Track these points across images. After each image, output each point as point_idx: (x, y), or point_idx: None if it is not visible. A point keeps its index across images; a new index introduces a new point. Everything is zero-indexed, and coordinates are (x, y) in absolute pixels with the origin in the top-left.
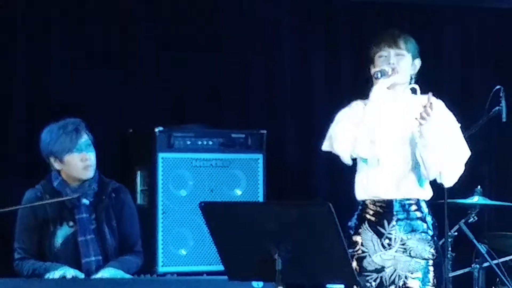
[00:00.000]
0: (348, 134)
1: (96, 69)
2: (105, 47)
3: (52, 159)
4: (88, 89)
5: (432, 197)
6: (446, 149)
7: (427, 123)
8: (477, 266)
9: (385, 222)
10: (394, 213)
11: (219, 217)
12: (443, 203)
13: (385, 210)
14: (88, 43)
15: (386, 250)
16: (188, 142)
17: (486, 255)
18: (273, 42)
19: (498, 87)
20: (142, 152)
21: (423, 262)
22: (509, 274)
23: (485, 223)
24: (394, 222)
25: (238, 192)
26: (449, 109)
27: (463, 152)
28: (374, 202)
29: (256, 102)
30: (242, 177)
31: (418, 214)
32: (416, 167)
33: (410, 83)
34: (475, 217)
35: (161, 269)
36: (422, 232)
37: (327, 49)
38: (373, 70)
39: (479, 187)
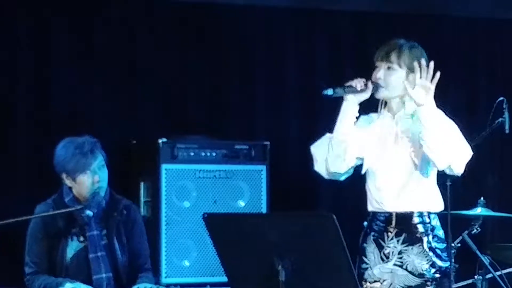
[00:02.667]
0: (322, 152)
1: (99, 80)
2: (108, 58)
3: (64, 176)
4: (91, 100)
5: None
6: (450, 135)
7: (428, 105)
8: (480, 277)
9: (385, 235)
10: (394, 225)
11: (223, 228)
12: (447, 215)
13: (386, 222)
14: (91, 54)
15: (384, 262)
16: (192, 154)
17: (489, 267)
18: (277, 54)
19: (501, 98)
20: (145, 163)
21: (419, 278)
22: None
23: (488, 235)
24: (393, 235)
25: (242, 203)
26: (454, 119)
27: (466, 145)
28: (377, 214)
29: (259, 114)
30: (245, 189)
31: (420, 227)
32: (421, 178)
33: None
34: (478, 228)
35: (164, 280)
36: (421, 246)
37: (330, 61)
38: (346, 84)
39: (482, 198)
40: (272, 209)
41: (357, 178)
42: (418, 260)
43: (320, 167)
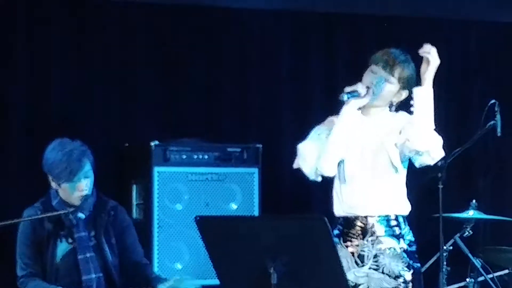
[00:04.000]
0: (313, 151)
1: (94, 83)
2: (104, 61)
3: (50, 178)
4: (85, 103)
5: (427, 212)
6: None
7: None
8: (472, 280)
9: (359, 239)
10: (367, 229)
11: (215, 231)
12: (438, 217)
13: (359, 226)
14: (87, 57)
15: (359, 267)
16: (184, 156)
17: (481, 269)
18: (271, 57)
19: (493, 101)
20: (137, 166)
21: (395, 280)
22: None
23: (480, 237)
24: (367, 239)
25: (234, 206)
26: (446, 122)
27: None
28: (349, 219)
29: (252, 117)
30: (237, 191)
31: (393, 230)
32: (392, 183)
33: (390, 109)
34: (470, 231)
35: None
36: (395, 248)
37: (325, 64)
38: (346, 89)
39: (474, 201)
40: (264, 212)
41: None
42: (394, 263)
43: (307, 165)
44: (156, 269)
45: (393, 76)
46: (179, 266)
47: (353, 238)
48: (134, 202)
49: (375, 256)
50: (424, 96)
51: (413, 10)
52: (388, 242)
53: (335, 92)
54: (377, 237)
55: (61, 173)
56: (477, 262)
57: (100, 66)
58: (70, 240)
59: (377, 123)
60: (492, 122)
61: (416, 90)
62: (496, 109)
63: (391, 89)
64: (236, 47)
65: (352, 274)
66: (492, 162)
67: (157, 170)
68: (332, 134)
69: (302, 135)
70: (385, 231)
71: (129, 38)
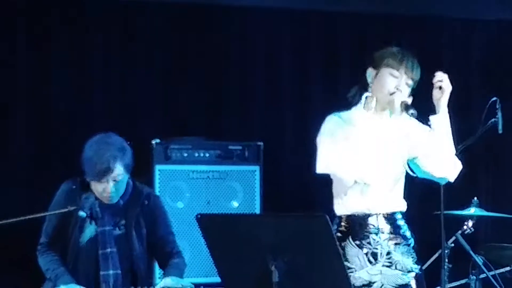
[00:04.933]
0: (345, 158)
1: (95, 81)
2: (105, 59)
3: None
4: (85, 101)
5: (428, 209)
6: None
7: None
8: (474, 277)
9: (371, 237)
10: (379, 227)
11: (216, 229)
12: (440, 215)
13: (371, 224)
14: (88, 55)
15: (372, 265)
16: (185, 154)
17: (482, 267)
18: (272, 56)
19: (494, 99)
20: (139, 164)
21: (407, 274)
22: (506, 286)
23: (482, 235)
24: (379, 237)
25: (235, 204)
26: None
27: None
28: (357, 217)
29: (253, 114)
30: (239, 189)
31: (401, 227)
32: (396, 179)
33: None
34: (471, 228)
35: (158, 281)
36: (405, 244)
37: (326, 63)
38: (397, 103)
39: (475, 198)
40: (266, 209)
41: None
42: (405, 259)
43: (343, 171)
44: (157, 267)
45: (413, 80)
46: None
47: (365, 236)
48: None
49: (388, 253)
50: (442, 124)
51: (414, 8)
52: (399, 239)
53: (335, 90)
54: (388, 234)
55: (90, 172)
56: (479, 260)
57: (101, 64)
58: (96, 228)
59: (388, 123)
60: (493, 120)
61: (433, 118)
62: (497, 106)
63: (407, 92)
64: (237, 45)
65: (365, 272)
66: (494, 160)
67: (158, 168)
68: (360, 144)
69: (303, 133)
70: (395, 228)
71: (130, 37)
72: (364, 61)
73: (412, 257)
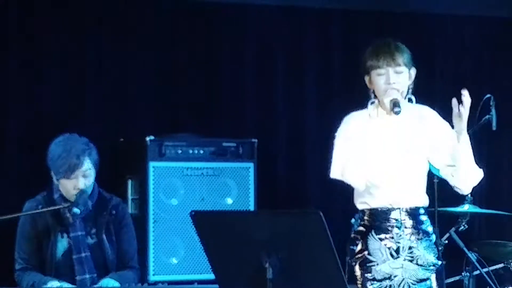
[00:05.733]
0: (356, 164)
1: (88, 78)
2: (97, 56)
3: (52, 173)
4: (80, 98)
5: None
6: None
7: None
8: (468, 274)
9: (393, 231)
10: (401, 222)
11: (210, 226)
12: (434, 211)
13: (393, 219)
14: (81, 51)
15: (394, 258)
16: (179, 151)
17: (476, 263)
18: (266, 52)
19: (488, 96)
20: (133, 161)
21: (429, 269)
22: (499, 282)
23: (476, 232)
24: (401, 231)
25: (229, 200)
26: (441, 116)
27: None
28: (379, 212)
29: (247, 111)
30: (233, 186)
31: (423, 222)
32: (418, 176)
33: (407, 93)
34: (465, 225)
35: (152, 278)
36: (427, 239)
37: (319, 60)
38: (385, 101)
39: (469, 195)
40: (260, 206)
41: None
42: (427, 253)
43: (358, 181)
44: (151, 264)
45: (400, 65)
46: (174, 261)
47: (387, 230)
48: (130, 197)
49: (410, 247)
50: (465, 144)
51: (408, 5)
52: (421, 234)
53: (329, 87)
54: (411, 229)
55: (59, 169)
56: (473, 256)
57: (95, 61)
58: (67, 239)
59: (401, 117)
60: (487, 117)
61: (457, 145)
62: (491, 103)
63: (405, 76)
64: (232, 42)
65: (387, 266)
66: (488, 156)
67: (152, 165)
68: (370, 149)
69: (298, 130)
70: (417, 223)
71: (125, 34)
72: (358, 59)
73: (434, 253)
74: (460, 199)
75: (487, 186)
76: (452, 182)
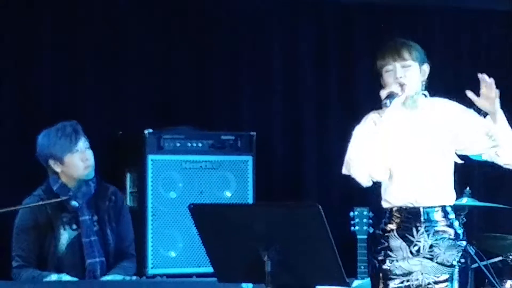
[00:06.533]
0: (363, 159)
1: (86, 71)
2: (95, 49)
3: (51, 162)
4: (78, 91)
5: None
6: None
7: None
8: None
9: (414, 230)
10: (422, 220)
11: (209, 219)
12: None
13: (413, 218)
14: (79, 45)
15: (414, 256)
16: (178, 144)
17: (474, 256)
18: (263, 45)
19: None
20: (131, 154)
21: (449, 268)
22: (497, 275)
23: (474, 225)
24: (422, 230)
25: (228, 194)
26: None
27: None
28: (401, 210)
29: (245, 104)
30: (231, 179)
31: (445, 220)
32: (440, 173)
33: (422, 89)
34: (464, 218)
35: (150, 271)
36: (449, 238)
37: (316, 53)
38: (382, 94)
39: (468, 188)
40: (258, 199)
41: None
42: (449, 252)
43: (361, 175)
44: (150, 257)
45: (405, 59)
46: (173, 254)
47: (408, 228)
48: (128, 190)
49: (431, 246)
50: (502, 122)
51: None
52: (445, 233)
53: (326, 81)
54: (433, 227)
55: (63, 146)
56: (471, 249)
57: (92, 54)
58: (74, 226)
59: (419, 113)
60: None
61: (494, 126)
62: None
63: (413, 70)
64: (228, 35)
65: (406, 262)
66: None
67: (151, 158)
68: (379, 140)
69: (296, 123)
70: (441, 221)
71: (121, 26)
72: (354, 51)
73: (457, 251)
74: (458, 192)
75: (486, 179)
76: (499, 161)
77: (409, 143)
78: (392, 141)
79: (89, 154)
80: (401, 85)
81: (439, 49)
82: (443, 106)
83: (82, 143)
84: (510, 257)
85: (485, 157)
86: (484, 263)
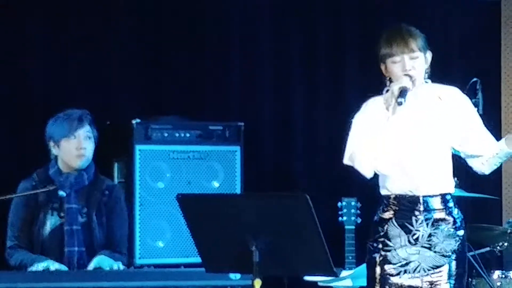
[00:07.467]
0: (367, 150)
1: (74, 61)
2: (84, 39)
3: (51, 144)
4: (66, 81)
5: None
6: None
7: None
8: None
9: (413, 218)
10: (421, 209)
11: (196, 209)
12: None
13: (412, 206)
14: (67, 35)
15: (412, 245)
16: (166, 134)
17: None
18: (251, 35)
19: (474, 79)
20: (119, 144)
21: (447, 257)
22: (485, 266)
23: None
24: (421, 219)
25: (216, 184)
26: None
27: None
28: (400, 199)
29: (233, 94)
30: (219, 169)
31: (447, 209)
32: (440, 161)
33: (425, 77)
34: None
35: (138, 261)
36: (448, 227)
37: (304, 42)
38: (394, 89)
39: (455, 179)
40: (246, 190)
41: (331, 158)
42: (447, 241)
43: (365, 167)
44: (137, 247)
45: (414, 51)
46: (161, 244)
47: (407, 217)
48: (116, 180)
49: (429, 235)
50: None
51: None
52: (443, 221)
53: (315, 72)
54: (432, 216)
55: (61, 129)
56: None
57: (81, 44)
58: (61, 214)
59: (419, 101)
60: (473, 101)
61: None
62: (477, 87)
63: (421, 61)
64: (218, 26)
65: (404, 251)
66: None
67: (138, 148)
68: (389, 136)
69: (284, 113)
70: (440, 210)
71: (110, 16)
72: (343, 42)
73: (455, 241)
74: None
75: (473, 170)
76: (477, 167)
77: (410, 131)
78: (393, 130)
79: (87, 145)
80: (411, 78)
81: (429, 38)
82: (446, 95)
83: (83, 132)
84: (498, 247)
85: (471, 163)
86: (472, 253)
